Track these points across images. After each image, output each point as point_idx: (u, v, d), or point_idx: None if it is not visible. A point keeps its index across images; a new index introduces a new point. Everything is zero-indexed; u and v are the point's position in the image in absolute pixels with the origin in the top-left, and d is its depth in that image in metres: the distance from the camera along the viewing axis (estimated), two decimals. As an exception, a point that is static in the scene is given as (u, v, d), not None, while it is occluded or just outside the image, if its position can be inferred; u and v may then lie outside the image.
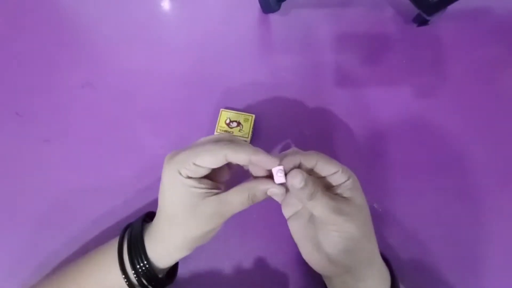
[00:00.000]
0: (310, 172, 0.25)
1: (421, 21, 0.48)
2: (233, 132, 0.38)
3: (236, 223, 0.35)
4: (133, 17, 0.49)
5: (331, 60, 0.46)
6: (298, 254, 0.34)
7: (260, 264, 0.34)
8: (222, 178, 0.27)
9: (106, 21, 0.49)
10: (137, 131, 0.40)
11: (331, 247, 0.25)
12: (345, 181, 0.25)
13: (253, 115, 0.39)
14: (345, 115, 0.41)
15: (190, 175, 0.23)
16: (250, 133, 0.38)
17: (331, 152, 0.39)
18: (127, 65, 0.45)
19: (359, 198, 0.25)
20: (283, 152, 0.26)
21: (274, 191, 0.24)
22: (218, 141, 0.24)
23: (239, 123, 0.38)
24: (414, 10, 0.47)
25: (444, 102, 0.43)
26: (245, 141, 0.38)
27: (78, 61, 0.45)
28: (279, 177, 0.23)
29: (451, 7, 0.44)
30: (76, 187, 0.36)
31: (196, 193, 0.23)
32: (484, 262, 0.34)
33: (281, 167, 0.23)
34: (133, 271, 0.24)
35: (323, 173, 0.25)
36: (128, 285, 0.24)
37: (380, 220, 0.35)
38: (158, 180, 0.25)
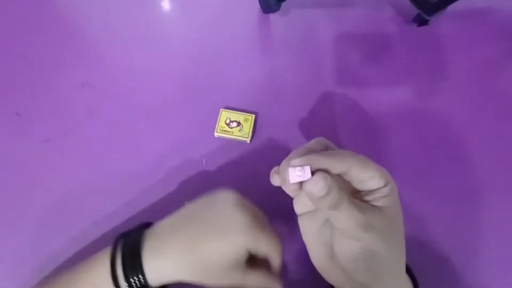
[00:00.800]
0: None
1: (421, 21, 0.48)
2: (233, 132, 0.38)
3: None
4: (133, 17, 0.49)
5: (331, 60, 0.46)
6: (299, 254, 0.34)
7: (260, 264, 0.34)
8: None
9: (106, 21, 0.49)
10: (137, 131, 0.40)
11: (349, 261, 0.21)
12: (381, 187, 0.21)
13: (253, 115, 0.39)
14: (345, 115, 0.41)
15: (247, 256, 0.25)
16: (250, 133, 0.38)
17: (331, 152, 0.39)
18: (127, 65, 0.45)
19: (394, 208, 0.21)
20: (309, 145, 0.23)
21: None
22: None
23: (239, 123, 0.38)
24: (414, 10, 0.47)
25: (444, 102, 0.43)
26: (245, 141, 0.38)
27: (78, 61, 0.45)
28: (296, 176, 0.19)
29: (451, 7, 0.44)
30: (76, 187, 0.36)
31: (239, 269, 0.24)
32: (484, 262, 0.34)
33: (297, 167, 0.19)
34: (126, 284, 0.23)
35: (355, 178, 0.20)
36: None
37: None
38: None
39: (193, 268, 0.24)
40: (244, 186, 0.37)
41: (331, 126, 0.41)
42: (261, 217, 0.27)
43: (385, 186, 0.20)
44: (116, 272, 0.23)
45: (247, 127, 0.38)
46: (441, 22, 0.49)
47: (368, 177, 0.20)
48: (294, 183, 0.19)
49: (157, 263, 0.24)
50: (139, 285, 0.23)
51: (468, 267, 0.34)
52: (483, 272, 0.33)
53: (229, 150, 0.38)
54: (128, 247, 0.24)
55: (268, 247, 0.25)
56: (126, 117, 0.41)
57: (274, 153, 0.39)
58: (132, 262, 0.23)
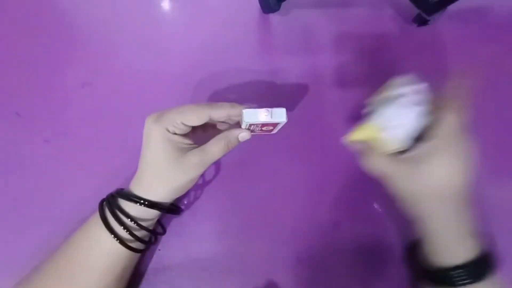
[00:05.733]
0: None
1: (421, 21, 0.48)
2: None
3: (236, 224, 0.35)
4: (133, 17, 0.49)
5: (331, 60, 0.46)
6: (299, 255, 0.34)
7: (261, 263, 0.34)
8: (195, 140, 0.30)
9: (106, 21, 0.49)
10: (137, 131, 0.40)
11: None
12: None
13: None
14: (344, 115, 0.41)
15: (176, 132, 0.28)
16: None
17: (331, 152, 0.39)
18: (127, 65, 0.45)
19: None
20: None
21: (244, 135, 0.29)
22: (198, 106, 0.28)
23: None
24: (414, 10, 0.47)
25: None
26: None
27: (78, 61, 0.45)
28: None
29: (451, 7, 0.44)
30: (76, 188, 0.36)
31: (182, 147, 0.28)
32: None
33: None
34: (121, 226, 0.27)
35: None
36: (120, 242, 0.26)
37: (380, 220, 0.35)
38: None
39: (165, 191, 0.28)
40: (244, 187, 0.37)
41: (331, 126, 0.41)
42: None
43: None
44: (108, 222, 0.27)
45: None
46: (441, 22, 0.49)
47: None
48: None
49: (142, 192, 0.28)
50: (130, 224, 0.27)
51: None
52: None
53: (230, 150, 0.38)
54: (112, 197, 0.29)
55: (189, 115, 0.27)
56: (126, 118, 0.41)
57: (275, 153, 0.39)
58: (120, 208, 0.27)
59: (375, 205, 0.36)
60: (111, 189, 0.36)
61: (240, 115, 0.28)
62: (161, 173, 0.27)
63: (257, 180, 0.37)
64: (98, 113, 0.41)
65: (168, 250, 0.34)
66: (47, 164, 0.37)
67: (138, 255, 0.30)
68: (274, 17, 0.50)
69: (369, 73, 0.45)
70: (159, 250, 0.34)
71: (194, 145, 0.29)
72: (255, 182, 0.37)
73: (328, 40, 0.48)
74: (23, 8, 0.49)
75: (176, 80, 0.43)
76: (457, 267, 0.24)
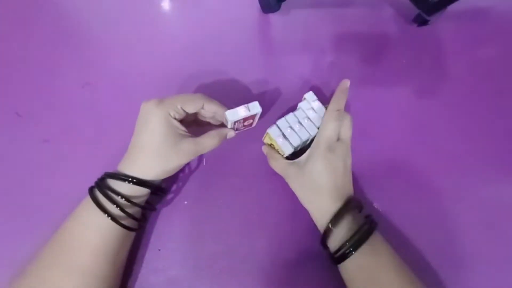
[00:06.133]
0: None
1: (421, 21, 0.48)
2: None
3: (236, 223, 0.35)
4: (133, 17, 0.49)
5: (331, 60, 0.46)
6: (299, 255, 0.34)
7: (261, 263, 0.34)
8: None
9: (106, 21, 0.49)
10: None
11: None
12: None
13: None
14: (345, 115, 0.41)
15: (176, 117, 0.30)
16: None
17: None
18: (127, 65, 0.45)
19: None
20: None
21: (231, 134, 0.34)
22: (195, 95, 0.32)
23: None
24: (414, 10, 0.47)
25: (444, 102, 0.43)
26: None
27: (78, 61, 0.45)
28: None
29: (451, 7, 0.44)
30: (76, 188, 0.36)
31: (179, 133, 0.30)
32: (485, 262, 0.34)
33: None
34: (114, 205, 0.27)
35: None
36: (112, 219, 0.27)
37: (380, 220, 0.35)
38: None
39: (156, 169, 0.30)
40: (244, 187, 0.37)
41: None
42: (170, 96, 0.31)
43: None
44: (100, 203, 0.28)
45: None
46: (441, 22, 0.49)
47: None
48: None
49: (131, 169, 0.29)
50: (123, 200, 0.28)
51: (468, 271, 0.34)
52: (483, 275, 0.33)
53: (229, 150, 0.38)
54: (103, 179, 0.29)
55: (188, 101, 0.31)
56: (126, 117, 0.40)
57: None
58: (111, 188, 0.28)
59: (375, 205, 0.36)
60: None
61: (223, 116, 0.32)
62: (156, 154, 0.29)
63: (257, 180, 0.37)
64: (98, 113, 0.41)
65: (168, 250, 0.34)
66: (47, 164, 0.37)
67: (131, 236, 0.31)
68: (274, 17, 0.50)
69: (369, 73, 0.45)
70: (159, 250, 0.34)
71: (188, 134, 0.31)
72: (255, 182, 0.37)
73: (328, 40, 0.48)
74: (23, 9, 0.49)
75: (176, 80, 0.43)
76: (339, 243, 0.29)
